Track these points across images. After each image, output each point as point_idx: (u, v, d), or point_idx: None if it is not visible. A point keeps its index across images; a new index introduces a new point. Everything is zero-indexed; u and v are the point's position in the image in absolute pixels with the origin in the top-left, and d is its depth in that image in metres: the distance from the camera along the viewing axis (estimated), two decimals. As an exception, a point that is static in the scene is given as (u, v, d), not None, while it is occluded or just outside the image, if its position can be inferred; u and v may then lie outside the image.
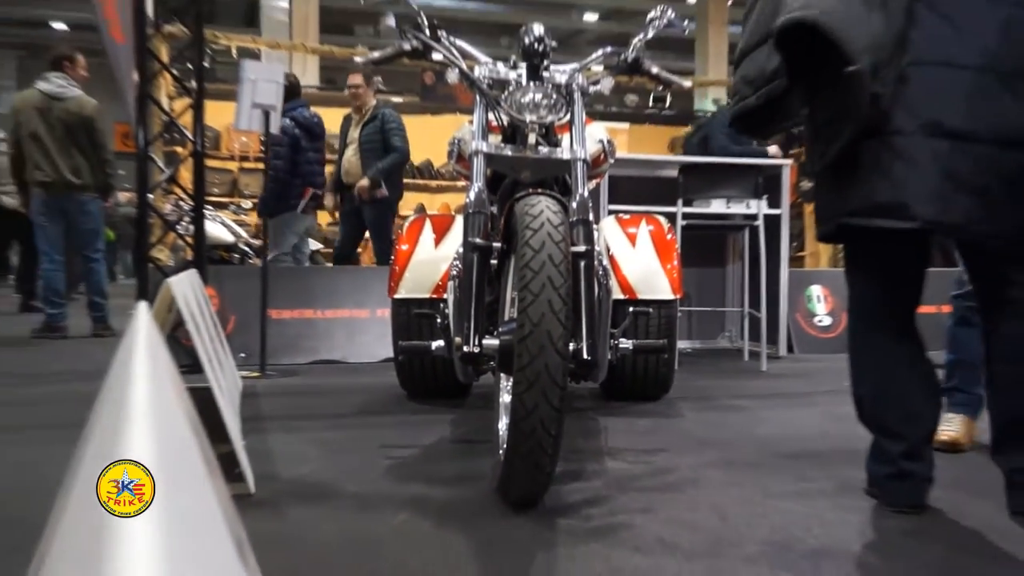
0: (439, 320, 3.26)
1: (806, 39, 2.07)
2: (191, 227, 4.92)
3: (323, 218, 8.68)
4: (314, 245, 9.20)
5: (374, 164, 6.51)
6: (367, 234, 6.96)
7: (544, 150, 2.60)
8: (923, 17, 2.10)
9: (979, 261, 2.27)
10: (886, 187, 2.13)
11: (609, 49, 2.92)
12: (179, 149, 7.15)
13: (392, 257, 4.03)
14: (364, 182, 6.46)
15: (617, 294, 3.61)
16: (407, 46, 2.77)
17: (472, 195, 2.49)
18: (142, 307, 0.64)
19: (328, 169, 7.20)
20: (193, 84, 4.98)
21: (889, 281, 2.34)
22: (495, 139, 2.71)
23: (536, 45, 2.67)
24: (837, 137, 2.15)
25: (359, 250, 10.81)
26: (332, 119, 11.69)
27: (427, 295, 3.83)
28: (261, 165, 6.00)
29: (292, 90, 6.11)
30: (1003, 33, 2.06)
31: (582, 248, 2.36)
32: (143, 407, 0.49)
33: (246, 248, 9.32)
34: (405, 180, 11.91)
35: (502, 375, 2.50)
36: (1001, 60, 2.05)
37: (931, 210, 2.07)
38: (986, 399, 2.32)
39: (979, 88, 2.06)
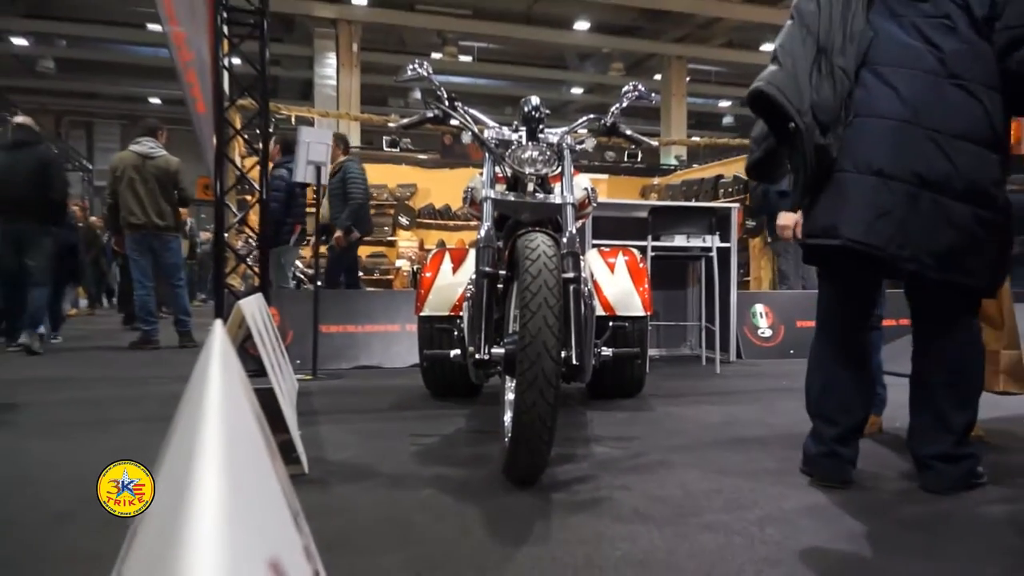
0: (456, 333, 3.25)
1: (774, 106, 2.11)
2: (258, 260, 4.94)
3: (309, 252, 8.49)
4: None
5: (339, 207, 6.34)
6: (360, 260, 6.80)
7: (540, 196, 2.60)
8: (868, 80, 2.12)
9: (918, 285, 2.23)
10: (827, 213, 2.15)
11: (592, 116, 2.94)
12: (248, 197, 7.17)
13: (416, 282, 4.04)
14: (338, 233, 6.29)
15: (600, 311, 3.60)
16: (430, 114, 2.79)
17: (483, 232, 2.49)
18: (218, 324, 0.64)
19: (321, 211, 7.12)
20: (260, 146, 5.02)
21: (845, 297, 2.34)
22: (501, 188, 2.72)
23: (533, 113, 2.68)
24: (799, 180, 2.18)
25: (390, 277, 10.75)
26: (370, 172, 11.78)
27: (446, 313, 3.82)
28: (312, 210, 5.97)
29: (287, 147, 5.92)
30: (930, 96, 2.06)
31: (571, 275, 2.35)
32: (217, 404, 0.49)
33: (301, 276, 9.31)
34: (429, 221, 12.02)
35: (507, 377, 2.49)
36: (926, 117, 2.05)
37: (855, 231, 2.08)
38: (910, 398, 2.30)
39: (905, 137, 2.06)
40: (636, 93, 2.88)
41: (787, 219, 3.58)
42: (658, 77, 18.90)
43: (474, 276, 2.63)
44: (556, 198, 2.59)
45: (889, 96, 2.09)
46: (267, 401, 2.14)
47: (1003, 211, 2.10)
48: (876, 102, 2.10)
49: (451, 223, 12.04)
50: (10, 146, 6.31)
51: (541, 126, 2.69)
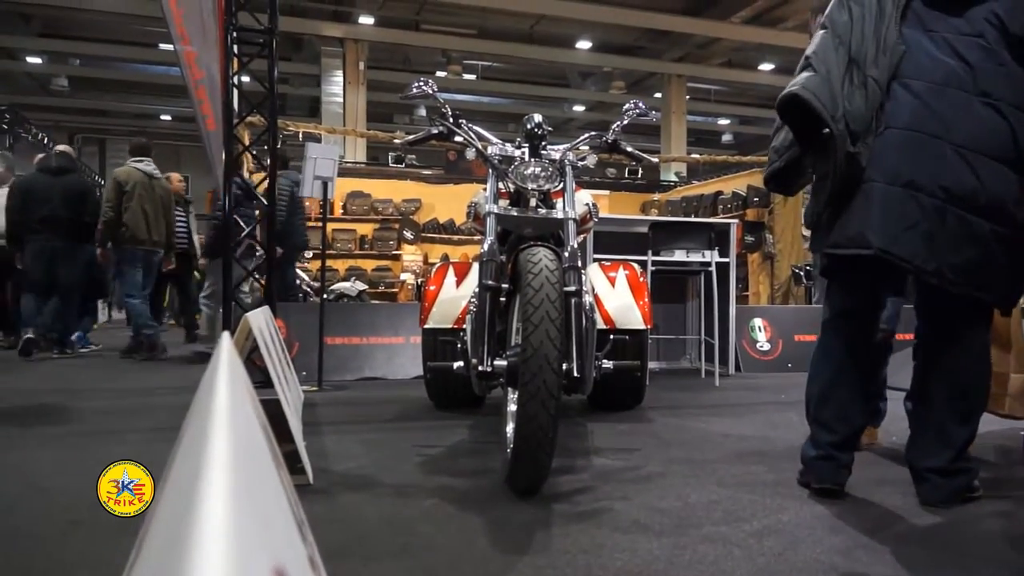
0: (459, 345, 3.24)
1: (805, 113, 2.09)
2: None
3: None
4: (360, 286, 9.16)
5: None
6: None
7: (542, 211, 2.61)
8: (899, 94, 2.11)
9: (933, 298, 2.21)
10: (856, 222, 2.12)
11: (593, 133, 2.95)
12: (256, 212, 7.17)
13: (421, 295, 4.04)
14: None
15: (600, 324, 3.59)
16: (435, 131, 2.80)
17: (486, 247, 2.50)
18: (225, 336, 0.64)
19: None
20: (268, 161, 5.04)
21: (855, 308, 2.32)
22: (504, 203, 2.73)
23: (536, 130, 2.69)
24: (825, 189, 2.16)
25: (395, 290, 10.70)
26: (376, 188, 11.84)
27: (450, 325, 3.81)
28: (319, 224, 5.87)
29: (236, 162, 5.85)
30: (958, 112, 2.05)
31: (572, 288, 2.36)
32: (224, 414, 0.49)
33: (307, 289, 9.27)
34: (433, 236, 12.02)
35: (509, 389, 2.49)
36: (955, 133, 2.04)
37: (883, 241, 2.05)
38: (913, 410, 2.29)
39: (933, 151, 2.05)
40: (637, 111, 2.89)
41: None
42: (658, 95, 18.96)
43: (477, 289, 2.63)
44: (558, 213, 2.60)
45: (918, 109, 2.07)
46: (273, 412, 2.14)
47: (1021, 229, 2.07)
48: (905, 115, 2.08)
49: (455, 237, 12.04)
50: (54, 171, 6.69)
51: (543, 143, 2.70)
